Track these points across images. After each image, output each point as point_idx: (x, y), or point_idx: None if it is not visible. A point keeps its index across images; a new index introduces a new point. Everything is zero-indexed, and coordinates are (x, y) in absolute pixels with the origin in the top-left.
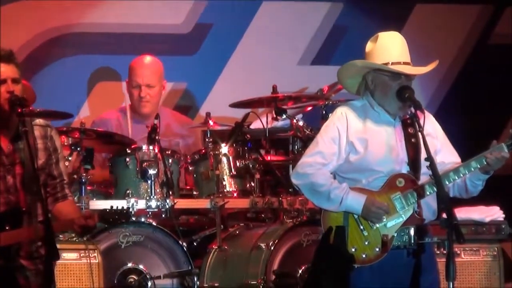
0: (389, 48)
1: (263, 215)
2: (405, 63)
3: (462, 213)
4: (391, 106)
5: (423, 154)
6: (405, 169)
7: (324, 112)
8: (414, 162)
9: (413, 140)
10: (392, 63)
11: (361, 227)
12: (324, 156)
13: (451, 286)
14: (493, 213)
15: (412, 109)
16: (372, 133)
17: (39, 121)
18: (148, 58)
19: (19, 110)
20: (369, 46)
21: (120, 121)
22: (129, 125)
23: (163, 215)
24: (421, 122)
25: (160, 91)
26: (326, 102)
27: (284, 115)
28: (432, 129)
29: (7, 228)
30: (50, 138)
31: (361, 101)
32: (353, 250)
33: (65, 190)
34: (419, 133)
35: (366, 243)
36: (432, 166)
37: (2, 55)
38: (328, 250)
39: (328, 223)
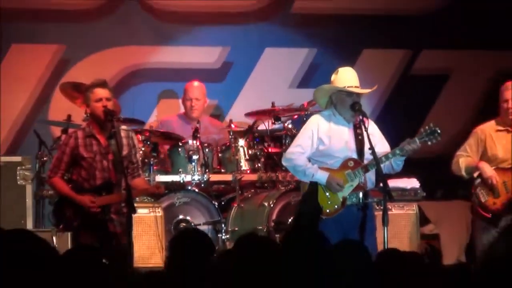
0: (345, 77)
1: (266, 185)
2: (356, 87)
3: (392, 183)
4: (347, 114)
5: (367, 146)
6: (354, 155)
7: (304, 119)
8: (360, 151)
9: (360, 137)
10: (348, 87)
11: (325, 191)
12: (302, 147)
13: (385, 230)
14: (413, 182)
15: (360, 117)
16: (334, 132)
17: (123, 126)
18: (196, 82)
19: (110, 118)
20: (333, 76)
21: (179, 121)
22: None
23: (202, 185)
24: (366, 125)
25: (203, 104)
26: (306, 112)
27: (279, 121)
28: (373, 130)
29: (103, 194)
30: (131, 138)
31: (328, 111)
32: (320, 207)
33: (139, 171)
34: (365, 133)
35: (329, 202)
36: (373, 152)
37: (98, 83)
38: (305, 204)
39: (304, 189)
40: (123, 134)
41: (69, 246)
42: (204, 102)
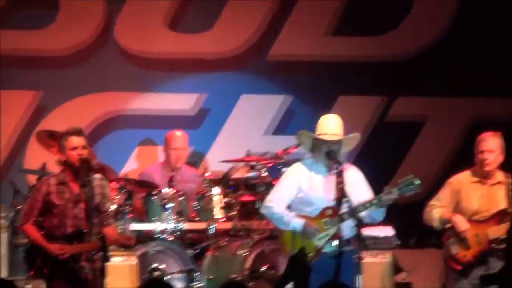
0: (323, 123)
1: (240, 233)
2: (333, 134)
3: (367, 231)
4: (324, 162)
5: (350, 194)
6: (332, 203)
7: (279, 167)
8: (339, 200)
9: (339, 185)
10: (322, 134)
11: (303, 239)
12: (281, 195)
13: (359, 277)
14: (387, 231)
15: (336, 165)
16: (313, 180)
17: (97, 175)
18: (179, 132)
19: (87, 167)
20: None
21: (160, 171)
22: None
23: (177, 233)
24: (344, 174)
25: (187, 153)
26: (281, 160)
27: (254, 168)
28: (354, 177)
29: (74, 242)
30: (103, 187)
31: (308, 159)
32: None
33: (110, 219)
34: (340, 181)
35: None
36: (349, 203)
37: (73, 131)
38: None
39: (283, 237)
40: (96, 182)
41: None
42: (188, 152)
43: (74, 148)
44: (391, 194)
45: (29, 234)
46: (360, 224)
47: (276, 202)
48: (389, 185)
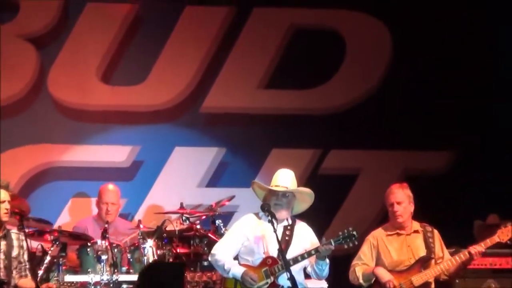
0: (277, 177)
1: None
2: (282, 186)
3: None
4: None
5: (292, 247)
6: (275, 254)
7: (213, 219)
8: (280, 250)
9: (287, 238)
10: (274, 186)
11: None
12: (227, 245)
13: None
14: (321, 284)
15: (270, 217)
16: (260, 230)
17: (14, 229)
18: (111, 186)
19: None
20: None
21: (93, 224)
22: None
23: (111, 285)
24: (294, 227)
25: (118, 208)
26: (214, 213)
27: (187, 221)
28: (301, 231)
29: None
30: (21, 240)
31: (259, 213)
32: None
33: (27, 271)
34: (274, 232)
35: None
36: (282, 254)
37: (2, 185)
38: None
39: (225, 283)
40: (14, 236)
41: None
42: (119, 206)
43: (1, 202)
44: (327, 245)
45: None
46: (292, 276)
47: (220, 250)
48: (326, 237)
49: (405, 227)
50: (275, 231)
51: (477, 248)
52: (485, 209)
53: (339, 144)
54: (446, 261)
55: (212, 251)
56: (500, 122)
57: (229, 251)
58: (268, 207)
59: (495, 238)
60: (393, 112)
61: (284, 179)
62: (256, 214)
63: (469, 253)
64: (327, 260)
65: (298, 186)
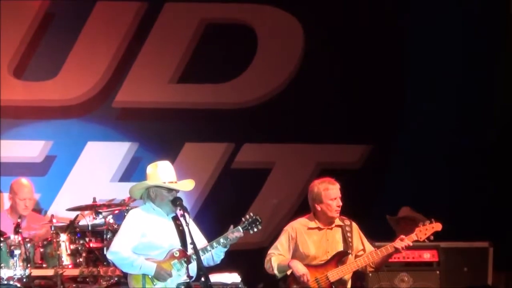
0: (164, 172)
1: (87, 279)
2: (175, 182)
3: (214, 277)
4: (167, 208)
5: (187, 238)
6: (178, 245)
7: (125, 214)
8: (183, 242)
9: (180, 228)
10: (168, 182)
11: (154, 283)
12: (124, 240)
13: None
14: (234, 277)
15: (181, 211)
16: (155, 224)
17: None
18: (25, 180)
19: None
20: (150, 169)
21: (4, 218)
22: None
23: (24, 280)
24: (187, 218)
25: (34, 202)
26: (127, 207)
27: (100, 215)
28: (190, 223)
29: None
30: None
31: (146, 205)
32: None
33: None
34: (185, 226)
35: None
36: (194, 245)
37: None
38: None
39: (132, 281)
40: None
41: None
42: (34, 200)
43: None
44: (237, 232)
45: None
46: (205, 268)
47: (123, 247)
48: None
49: (333, 222)
50: (187, 224)
51: (403, 243)
52: (399, 202)
53: (252, 138)
54: (371, 253)
55: (113, 249)
56: (412, 116)
57: (130, 247)
58: (181, 201)
59: (413, 237)
60: (307, 105)
61: (172, 173)
62: (145, 209)
63: (395, 247)
64: (228, 246)
65: (211, 180)
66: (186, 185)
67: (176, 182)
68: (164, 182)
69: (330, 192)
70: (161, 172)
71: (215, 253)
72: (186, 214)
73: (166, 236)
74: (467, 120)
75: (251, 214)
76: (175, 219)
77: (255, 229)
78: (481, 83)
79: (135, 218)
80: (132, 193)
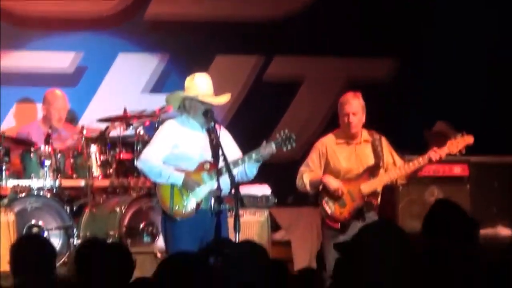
0: (200, 84)
1: (117, 190)
2: (210, 95)
3: (244, 189)
4: (201, 121)
5: (220, 151)
6: (209, 158)
7: (156, 125)
8: (215, 155)
9: (214, 142)
10: (202, 95)
11: (181, 193)
12: (156, 149)
13: (237, 235)
14: (264, 189)
15: (212, 123)
16: (188, 136)
17: None
18: (58, 91)
19: None
20: (188, 81)
21: (38, 129)
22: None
23: (54, 190)
24: (218, 132)
25: (66, 112)
26: (158, 119)
27: (131, 126)
28: (224, 137)
29: None
30: None
31: (181, 117)
32: (176, 208)
33: None
34: (219, 139)
35: (185, 203)
36: (225, 159)
37: None
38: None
39: (161, 190)
40: None
41: None
42: (67, 110)
43: None
44: (269, 148)
45: None
46: (236, 181)
47: (153, 156)
48: (267, 140)
49: (357, 137)
50: (218, 137)
51: (437, 154)
52: (430, 116)
53: (283, 51)
54: (403, 165)
55: (143, 158)
56: (444, 27)
57: (161, 157)
58: (212, 114)
59: (445, 150)
60: (338, 18)
61: (208, 86)
62: (179, 121)
63: (429, 158)
64: (261, 161)
65: (241, 93)
66: (221, 99)
67: (212, 96)
68: (199, 95)
69: (345, 106)
70: (198, 84)
71: (248, 168)
72: (217, 127)
73: (198, 148)
74: (503, 31)
75: (286, 131)
76: (210, 132)
77: (289, 147)
78: None
79: (169, 129)
80: (169, 103)
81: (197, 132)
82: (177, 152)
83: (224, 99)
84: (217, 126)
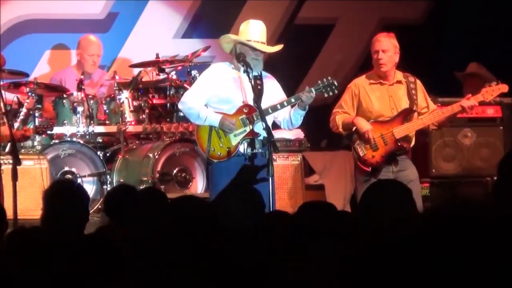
0: (253, 30)
1: (150, 136)
2: (262, 43)
3: (277, 133)
4: (246, 65)
5: (264, 97)
6: (250, 102)
7: (188, 70)
8: (256, 99)
9: (258, 87)
10: (254, 41)
11: (219, 135)
12: (196, 91)
13: (271, 179)
14: (297, 133)
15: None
16: (231, 79)
17: None
18: (93, 37)
19: None
20: (243, 26)
21: (73, 74)
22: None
23: (87, 136)
24: (263, 79)
25: (100, 59)
26: (190, 64)
27: (163, 72)
28: (272, 83)
29: None
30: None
31: (227, 63)
32: (212, 150)
33: (3, 119)
34: (260, 84)
35: (221, 146)
36: (259, 105)
37: None
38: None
39: (199, 133)
40: None
41: None
42: (100, 56)
43: None
44: (308, 93)
45: None
46: (268, 126)
47: (193, 98)
48: (304, 86)
49: (388, 77)
50: (250, 80)
51: (470, 102)
52: (463, 58)
53: None
54: (437, 111)
55: (183, 99)
56: None
57: (201, 99)
58: (244, 57)
59: (479, 97)
60: None
61: (262, 34)
62: (224, 65)
63: (462, 106)
64: (306, 108)
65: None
66: (272, 48)
67: (262, 43)
68: (250, 40)
69: (375, 44)
70: (251, 30)
71: (293, 116)
72: (249, 71)
73: (240, 92)
74: None
75: (329, 77)
76: (256, 78)
77: (330, 93)
78: None
79: (211, 72)
80: (221, 45)
81: (241, 76)
82: (218, 94)
83: (276, 48)
84: (263, 74)
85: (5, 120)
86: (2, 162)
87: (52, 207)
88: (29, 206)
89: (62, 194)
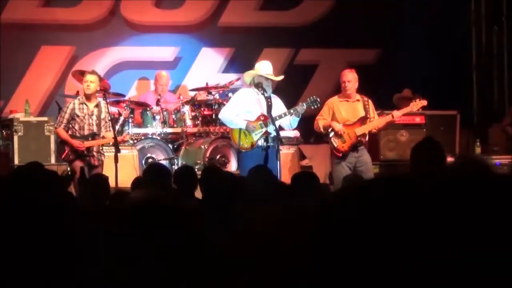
0: (266, 67)
1: (202, 134)
2: (271, 75)
3: (282, 133)
4: (259, 90)
5: (273, 109)
6: (265, 113)
7: (226, 92)
8: (268, 111)
9: (269, 103)
10: (266, 74)
11: (245, 134)
12: (230, 107)
13: (278, 163)
14: (295, 133)
15: (269, 93)
16: (253, 99)
17: (101, 100)
18: (164, 72)
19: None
20: (258, 65)
21: (151, 96)
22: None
23: (162, 134)
24: (273, 100)
25: (168, 87)
26: (227, 89)
27: (210, 94)
28: (278, 101)
29: (89, 139)
30: (105, 106)
31: (250, 88)
32: (241, 143)
33: (110, 128)
34: (270, 101)
35: (246, 140)
36: (271, 115)
37: (89, 71)
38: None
39: (233, 133)
40: (102, 104)
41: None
42: (169, 84)
43: (86, 81)
44: (302, 107)
45: (60, 134)
46: (278, 128)
47: (229, 110)
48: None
49: (352, 97)
50: (266, 98)
51: (398, 113)
52: (401, 86)
53: (307, 45)
54: (378, 120)
55: (223, 111)
56: (410, 27)
57: (233, 111)
58: (261, 85)
59: (409, 108)
60: (342, 27)
61: (270, 69)
62: (249, 89)
63: (392, 115)
64: (300, 116)
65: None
66: (277, 77)
67: (271, 75)
68: (265, 73)
69: (343, 76)
70: (263, 67)
71: (292, 121)
72: (264, 93)
73: (258, 107)
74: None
75: (314, 96)
76: (267, 98)
77: (315, 106)
78: None
79: (241, 95)
80: (245, 78)
81: (259, 97)
82: (245, 109)
83: (280, 78)
84: (272, 95)
85: (110, 128)
86: (107, 151)
87: (148, 179)
88: (125, 179)
89: (154, 171)
